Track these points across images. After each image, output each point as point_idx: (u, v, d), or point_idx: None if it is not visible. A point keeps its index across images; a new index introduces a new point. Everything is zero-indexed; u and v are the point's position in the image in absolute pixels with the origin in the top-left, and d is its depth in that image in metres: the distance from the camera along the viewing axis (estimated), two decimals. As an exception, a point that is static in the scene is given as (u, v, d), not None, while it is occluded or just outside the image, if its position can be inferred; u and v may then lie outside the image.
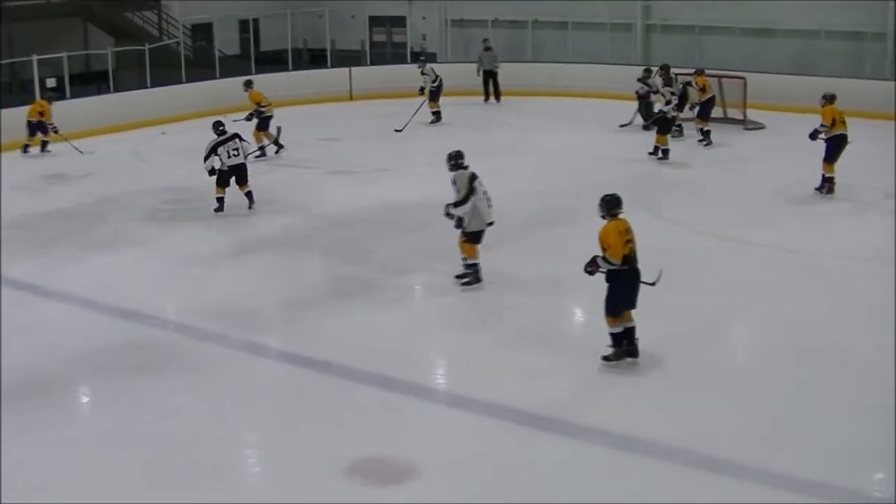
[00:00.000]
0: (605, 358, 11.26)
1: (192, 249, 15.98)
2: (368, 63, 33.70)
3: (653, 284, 11.25)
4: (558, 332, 12.72)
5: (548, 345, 11.94)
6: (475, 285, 13.74)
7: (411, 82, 27.70)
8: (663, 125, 21.95)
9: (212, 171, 17.67)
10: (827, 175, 18.26)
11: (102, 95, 27.24)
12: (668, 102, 22.23)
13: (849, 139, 18.06)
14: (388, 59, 34.77)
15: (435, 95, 26.63)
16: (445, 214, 13.67)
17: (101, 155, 23.01)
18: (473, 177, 13.53)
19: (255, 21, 34.06)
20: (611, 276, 11.10)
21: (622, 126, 24.43)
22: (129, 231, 17.08)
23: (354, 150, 23.03)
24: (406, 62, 32.63)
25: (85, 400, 11.28)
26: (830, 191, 18.22)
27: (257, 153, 21.58)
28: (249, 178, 18.02)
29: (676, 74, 23.76)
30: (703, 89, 23.14)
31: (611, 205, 11.19)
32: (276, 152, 22.18)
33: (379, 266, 14.79)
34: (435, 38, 35.16)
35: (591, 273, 11.14)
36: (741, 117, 24.97)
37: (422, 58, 29.21)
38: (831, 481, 8.94)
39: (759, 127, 24.16)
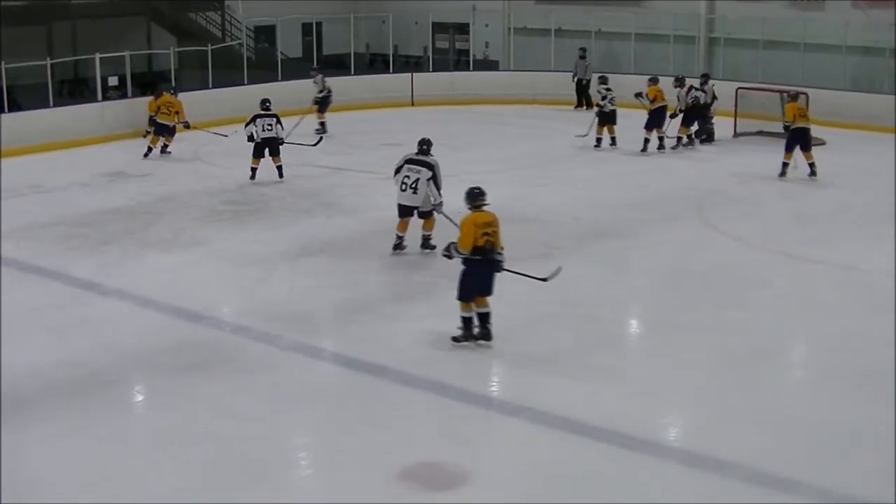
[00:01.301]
0: (454, 339, 11.95)
1: (249, 250, 16.04)
2: (431, 69, 33.50)
3: (544, 280, 12.10)
4: (621, 345, 12.72)
5: (609, 357, 11.87)
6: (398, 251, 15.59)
7: (473, 90, 27.61)
8: (602, 118, 24.00)
9: (250, 138, 20.35)
10: (784, 161, 20.71)
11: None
12: (603, 98, 23.97)
13: (811, 131, 20.68)
14: (451, 66, 34.78)
15: (322, 106, 26.34)
16: None
17: (160, 154, 23.21)
18: (408, 161, 15.41)
19: (319, 24, 34.12)
20: (464, 263, 11.87)
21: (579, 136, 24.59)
22: (187, 231, 17.18)
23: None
24: (469, 69, 32.65)
25: (141, 398, 11.31)
26: (783, 174, 20.71)
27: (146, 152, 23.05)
28: (320, 182, 19.09)
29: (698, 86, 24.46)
30: (654, 99, 23.57)
31: (473, 197, 11.96)
32: (145, 156, 23.00)
33: (437, 272, 14.70)
34: (498, 46, 35.13)
35: (447, 257, 12.19)
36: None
37: (314, 66, 28.61)
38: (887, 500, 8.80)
39: (820, 143, 23.90)
